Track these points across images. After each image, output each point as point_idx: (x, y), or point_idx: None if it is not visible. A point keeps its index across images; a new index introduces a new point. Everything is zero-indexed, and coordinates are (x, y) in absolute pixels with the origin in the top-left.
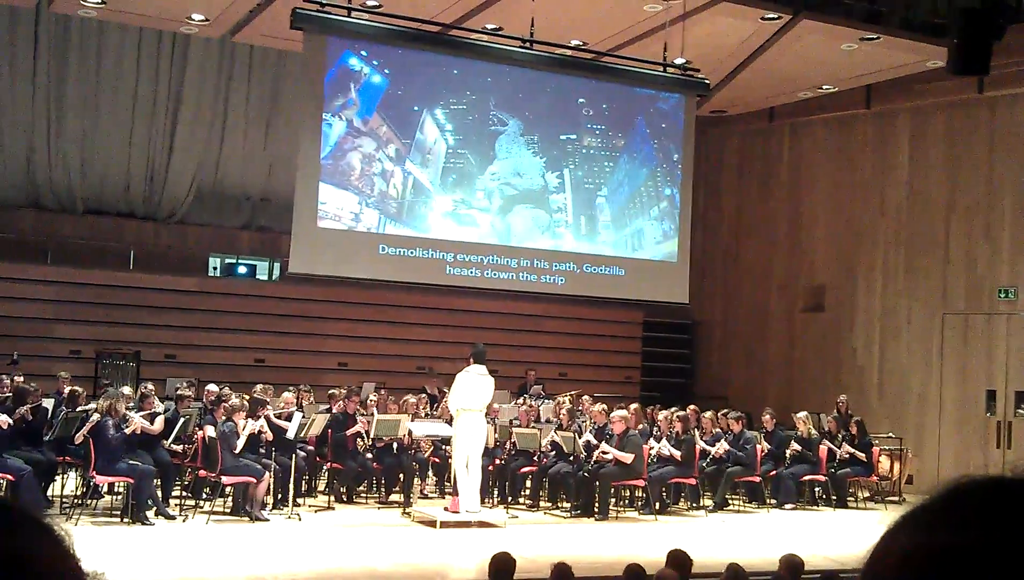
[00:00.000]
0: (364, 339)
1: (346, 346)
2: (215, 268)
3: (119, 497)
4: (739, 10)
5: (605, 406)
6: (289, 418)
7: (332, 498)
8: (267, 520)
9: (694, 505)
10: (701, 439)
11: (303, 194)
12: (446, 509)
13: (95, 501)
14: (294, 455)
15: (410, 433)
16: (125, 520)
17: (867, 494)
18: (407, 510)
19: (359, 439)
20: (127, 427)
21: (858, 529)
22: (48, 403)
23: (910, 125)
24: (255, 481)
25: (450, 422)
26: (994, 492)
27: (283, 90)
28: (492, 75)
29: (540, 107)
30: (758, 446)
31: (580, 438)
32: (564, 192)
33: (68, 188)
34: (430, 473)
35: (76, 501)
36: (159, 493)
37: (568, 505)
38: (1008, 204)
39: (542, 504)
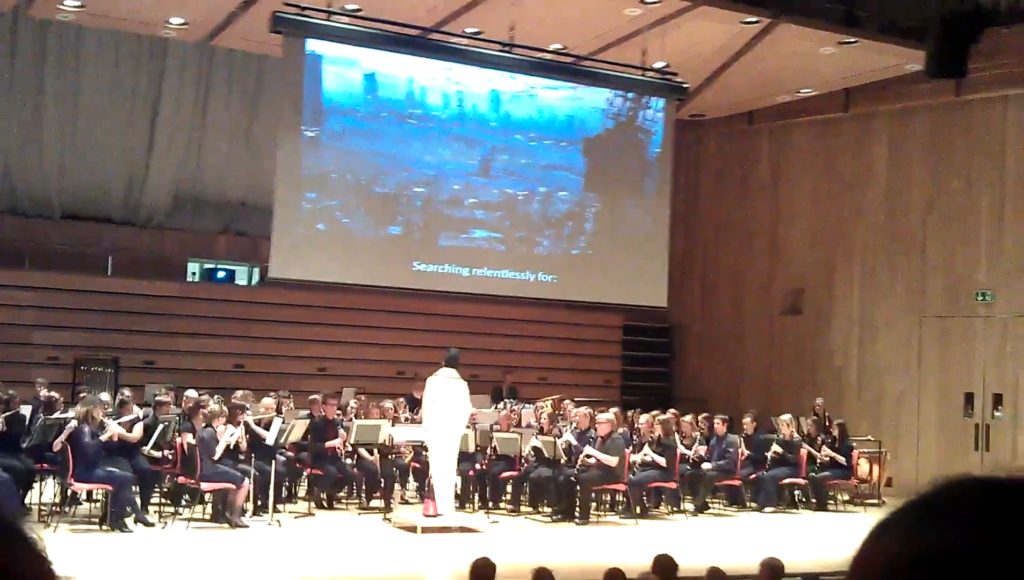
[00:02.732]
0: (344, 344)
1: (326, 351)
2: (194, 273)
3: (98, 504)
4: (718, 14)
5: (590, 410)
6: (269, 424)
7: (312, 504)
8: (247, 527)
9: (675, 509)
10: (681, 443)
11: (283, 199)
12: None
13: (73, 508)
14: (274, 461)
15: (390, 438)
16: (104, 527)
17: (847, 497)
18: (387, 516)
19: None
20: (104, 434)
21: (838, 532)
22: (26, 410)
23: (888, 128)
24: (235, 487)
25: None
26: (991, 494)
27: (263, 94)
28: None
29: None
30: (739, 449)
31: (560, 440)
32: (543, 197)
33: (46, 193)
34: (411, 478)
35: (54, 508)
36: (138, 500)
37: (549, 509)
38: (986, 207)
39: (523, 508)
